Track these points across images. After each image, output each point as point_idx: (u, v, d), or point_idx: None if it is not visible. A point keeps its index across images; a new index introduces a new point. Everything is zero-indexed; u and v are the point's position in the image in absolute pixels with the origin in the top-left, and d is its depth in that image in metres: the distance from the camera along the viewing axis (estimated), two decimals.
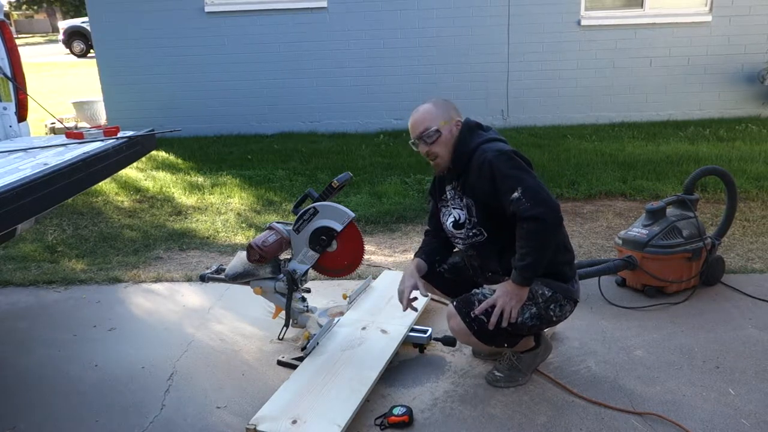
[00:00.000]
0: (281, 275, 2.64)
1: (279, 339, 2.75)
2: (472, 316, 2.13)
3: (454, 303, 2.21)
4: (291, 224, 2.63)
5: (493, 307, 2.10)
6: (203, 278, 2.87)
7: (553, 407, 2.22)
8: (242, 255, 2.69)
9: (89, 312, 3.14)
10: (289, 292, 2.61)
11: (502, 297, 2.10)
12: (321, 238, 2.57)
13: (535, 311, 2.16)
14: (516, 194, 2.02)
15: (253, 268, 2.66)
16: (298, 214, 2.59)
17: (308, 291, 2.85)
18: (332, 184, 2.65)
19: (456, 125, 2.25)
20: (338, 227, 2.54)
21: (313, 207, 2.56)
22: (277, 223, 2.70)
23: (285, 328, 2.70)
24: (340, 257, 2.61)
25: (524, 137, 6.65)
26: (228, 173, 5.62)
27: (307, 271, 2.64)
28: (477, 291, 2.21)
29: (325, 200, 2.62)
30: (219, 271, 2.85)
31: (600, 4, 7.14)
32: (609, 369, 2.45)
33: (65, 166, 2.26)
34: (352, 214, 2.54)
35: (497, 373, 2.37)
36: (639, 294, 3.10)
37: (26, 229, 3.96)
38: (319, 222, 2.56)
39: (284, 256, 2.75)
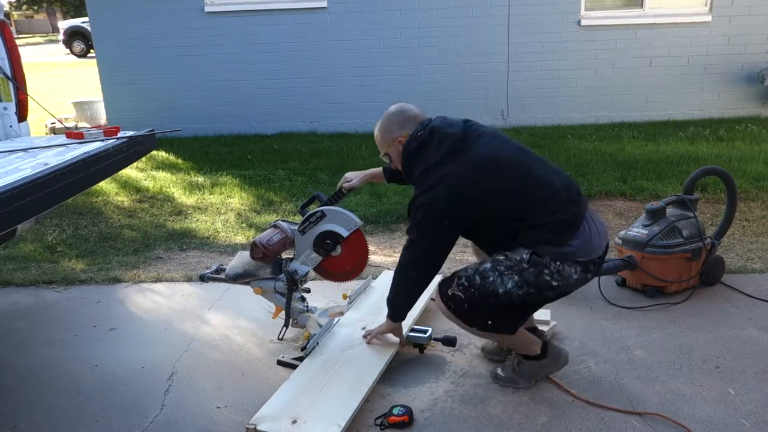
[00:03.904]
0: (281, 275, 2.64)
1: (279, 339, 2.75)
2: (449, 294, 2.15)
3: (439, 281, 2.26)
4: (296, 224, 2.63)
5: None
6: (203, 278, 2.87)
7: (553, 407, 2.22)
8: (243, 255, 2.70)
9: (89, 312, 3.14)
10: (289, 292, 2.61)
11: (382, 327, 2.46)
12: (326, 242, 2.57)
13: (518, 279, 2.05)
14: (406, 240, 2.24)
15: (254, 268, 2.66)
16: (305, 216, 2.59)
17: (308, 291, 2.85)
18: (341, 189, 2.67)
19: (399, 142, 2.26)
20: (344, 233, 2.55)
21: (321, 210, 2.57)
22: (282, 221, 2.70)
23: (285, 328, 2.70)
24: (343, 263, 2.63)
25: (524, 137, 6.65)
26: (228, 173, 5.62)
27: (307, 273, 2.64)
28: (459, 270, 2.19)
29: (333, 205, 2.63)
30: (219, 271, 2.85)
31: (600, 4, 7.14)
32: (609, 369, 2.45)
33: (65, 166, 2.26)
34: (360, 222, 2.55)
35: (500, 372, 2.38)
36: (639, 294, 3.10)
37: (26, 229, 3.96)
38: (325, 226, 2.56)
39: (285, 255, 2.75)
